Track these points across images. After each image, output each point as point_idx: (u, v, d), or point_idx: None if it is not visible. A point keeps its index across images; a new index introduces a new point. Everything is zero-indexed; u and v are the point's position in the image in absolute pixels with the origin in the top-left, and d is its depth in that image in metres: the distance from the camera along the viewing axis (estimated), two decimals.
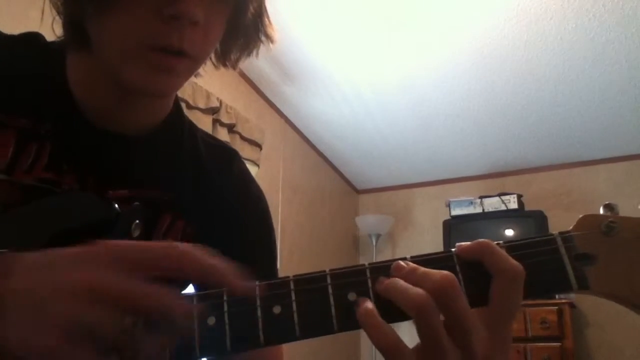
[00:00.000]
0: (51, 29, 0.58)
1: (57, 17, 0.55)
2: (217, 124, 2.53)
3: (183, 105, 2.49)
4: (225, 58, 0.61)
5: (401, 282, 0.37)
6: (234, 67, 0.63)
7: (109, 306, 0.31)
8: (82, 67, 0.55)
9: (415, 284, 0.36)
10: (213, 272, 0.35)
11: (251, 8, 0.56)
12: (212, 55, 0.61)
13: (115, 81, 0.51)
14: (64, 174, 0.53)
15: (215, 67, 0.63)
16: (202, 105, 2.41)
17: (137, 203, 0.54)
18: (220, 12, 0.53)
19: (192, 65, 0.52)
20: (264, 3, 0.60)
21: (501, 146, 3.49)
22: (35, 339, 0.30)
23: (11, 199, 0.49)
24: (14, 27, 0.59)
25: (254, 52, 0.62)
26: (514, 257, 0.38)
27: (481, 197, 3.41)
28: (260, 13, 0.59)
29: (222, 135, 2.53)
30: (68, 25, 0.54)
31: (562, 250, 0.39)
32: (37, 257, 0.33)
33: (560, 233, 0.40)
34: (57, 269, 0.32)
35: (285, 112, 3.28)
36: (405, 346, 0.36)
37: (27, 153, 0.51)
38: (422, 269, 0.38)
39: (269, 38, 0.61)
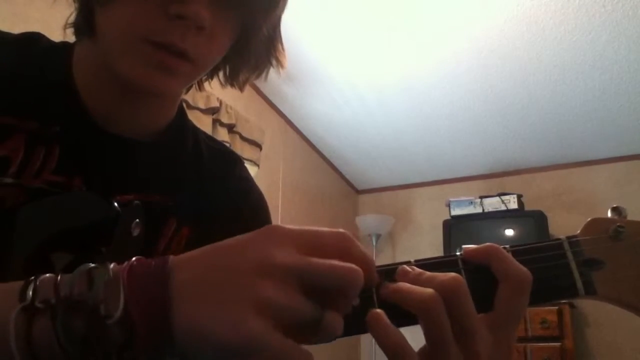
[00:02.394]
0: (51, 30, 0.58)
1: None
2: (217, 124, 2.53)
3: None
4: (233, 78, 0.61)
5: (408, 285, 0.37)
6: (242, 87, 0.63)
7: (293, 284, 0.30)
8: (88, 66, 0.55)
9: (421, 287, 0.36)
10: (369, 264, 0.35)
11: (264, 30, 0.56)
12: (220, 74, 0.61)
13: (115, 75, 0.51)
14: (73, 177, 0.52)
15: (223, 85, 0.62)
16: (202, 105, 2.41)
17: (137, 202, 0.54)
18: (229, 23, 0.52)
19: (192, 69, 0.51)
20: (278, 28, 0.60)
21: (501, 146, 3.49)
22: (228, 328, 0.29)
23: (21, 202, 0.49)
24: (14, 27, 0.59)
25: (264, 75, 0.62)
26: (520, 261, 0.38)
27: (481, 197, 3.41)
28: (273, 37, 0.59)
29: (222, 135, 2.52)
30: (79, 13, 0.53)
31: (570, 255, 0.39)
32: (203, 250, 0.32)
33: (568, 237, 0.40)
34: (231, 253, 0.31)
35: (285, 112, 3.27)
36: (411, 347, 0.35)
37: (36, 156, 0.51)
38: (428, 273, 0.38)
39: (280, 64, 0.61)
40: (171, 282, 0.30)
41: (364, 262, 0.34)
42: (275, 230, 0.32)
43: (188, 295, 0.30)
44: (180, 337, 0.29)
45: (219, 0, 0.49)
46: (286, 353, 0.29)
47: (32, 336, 0.30)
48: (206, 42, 0.50)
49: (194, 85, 0.63)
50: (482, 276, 0.38)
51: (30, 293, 0.31)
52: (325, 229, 0.34)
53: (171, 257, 0.32)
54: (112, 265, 0.32)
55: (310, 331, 0.31)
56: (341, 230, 0.34)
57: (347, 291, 0.32)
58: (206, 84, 0.65)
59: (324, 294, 0.31)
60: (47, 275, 0.32)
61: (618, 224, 0.38)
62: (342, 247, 0.33)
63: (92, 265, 0.32)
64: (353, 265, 0.32)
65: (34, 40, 0.58)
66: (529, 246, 0.40)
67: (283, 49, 0.61)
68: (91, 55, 0.55)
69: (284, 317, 0.30)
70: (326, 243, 0.33)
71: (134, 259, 0.32)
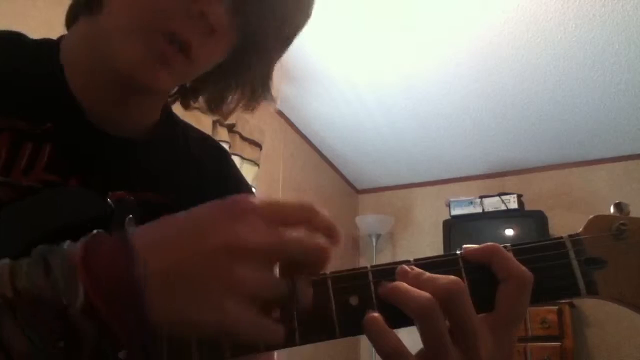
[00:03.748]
0: (52, 29, 0.58)
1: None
2: (217, 124, 2.52)
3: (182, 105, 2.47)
4: (217, 104, 0.62)
5: (405, 285, 0.36)
6: (226, 117, 0.64)
7: (262, 261, 0.30)
8: (79, 59, 0.54)
9: (420, 289, 0.36)
10: (333, 230, 0.35)
11: (265, 66, 0.58)
12: (204, 100, 0.62)
13: (109, 62, 0.50)
14: (68, 176, 0.52)
15: (203, 112, 0.63)
16: None
17: (130, 198, 0.53)
18: (232, 33, 0.52)
19: (188, 68, 0.51)
20: (273, 68, 0.61)
21: (501, 146, 3.48)
22: (206, 314, 0.29)
23: (11, 200, 0.48)
24: (14, 27, 0.58)
25: (251, 109, 0.63)
26: (521, 260, 0.38)
27: (481, 197, 3.40)
28: (268, 76, 0.61)
29: (222, 135, 2.52)
30: None
31: (572, 254, 0.38)
32: (165, 230, 0.32)
33: (570, 236, 0.39)
34: (197, 235, 0.31)
35: (285, 112, 3.27)
36: (408, 351, 0.35)
37: (22, 153, 0.50)
38: (428, 273, 0.37)
39: (272, 100, 0.63)
40: (138, 272, 0.29)
41: (328, 229, 0.35)
42: (238, 203, 0.32)
43: (158, 287, 0.29)
44: (156, 325, 0.29)
45: (237, 9, 0.50)
46: (261, 330, 0.31)
47: (3, 337, 0.29)
48: (212, 45, 0.50)
49: (179, 100, 0.63)
50: (482, 275, 0.38)
51: None
52: (289, 200, 0.34)
53: (134, 238, 0.31)
54: (66, 246, 0.31)
55: (285, 304, 0.32)
56: (305, 201, 0.35)
57: (315, 265, 0.33)
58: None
59: (292, 264, 0.32)
60: (4, 263, 0.31)
61: (621, 221, 0.38)
62: (306, 218, 0.34)
63: (48, 249, 0.31)
64: (319, 241, 0.32)
65: (15, 38, 0.57)
66: (530, 245, 0.39)
67: (274, 89, 0.63)
68: (84, 45, 0.54)
69: (258, 295, 0.30)
70: (290, 214, 0.33)
71: (89, 237, 0.31)
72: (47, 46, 0.56)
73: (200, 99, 0.63)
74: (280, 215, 0.33)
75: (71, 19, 0.57)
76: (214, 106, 0.62)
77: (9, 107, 0.51)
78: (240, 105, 0.62)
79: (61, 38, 0.57)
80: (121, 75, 0.50)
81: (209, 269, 0.30)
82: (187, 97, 0.63)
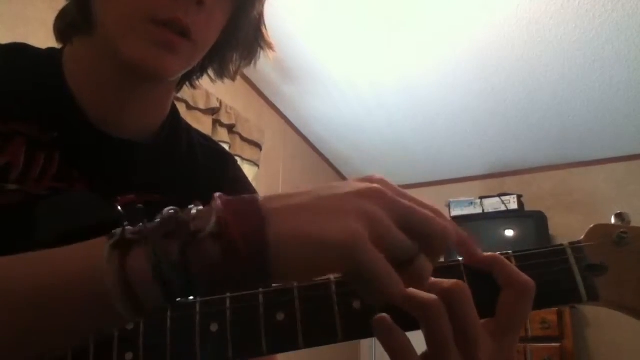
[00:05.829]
0: (51, 30, 0.58)
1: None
2: (217, 125, 2.52)
3: (183, 105, 2.47)
4: (224, 68, 0.62)
5: (411, 288, 0.36)
6: (234, 78, 0.64)
7: (391, 216, 0.31)
8: (81, 67, 0.55)
9: (425, 292, 0.36)
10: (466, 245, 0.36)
11: (255, 13, 0.58)
12: (211, 68, 0.63)
13: (115, 58, 0.51)
14: (74, 183, 0.53)
15: (212, 80, 0.64)
16: (202, 105, 2.41)
17: (140, 205, 0.54)
18: (225, 2, 0.54)
19: (192, 49, 0.52)
20: (263, 13, 0.62)
21: (501, 146, 3.49)
22: (331, 230, 0.29)
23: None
24: (14, 28, 0.58)
25: (253, 61, 0.64)
26: (523, 267, 0.38)
27: (481, 198, 3.41)
28: (259, 22, 0.62)
29: (222, 135, 2.52)
30: (75, 7, 0.54)
31: (572, 260, 0.39)
32: (291, 193, 0.33)
33: (571, 243, 0.40)
34: (328, 189, 0.32)
35: (285, 113, 3.27)
36: (414, 351, 0.35)
37: (36, 162, 0.51)
38: (432, 278, 0.37)
39: (268, 46, 0.63)
40: (264, 208, 0.30)
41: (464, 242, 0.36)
42: (369, 178, 0.34)
43: (285, 211, 0.31)
44: (278, 244, 0.29)
45: None
46: (385, 270, 0.29)
47: (127, 267, 0.30)
48: (205, 19, 0.51)
49: (186, 84, 0.64)
50: (484, 282, 0.38)
51: (119, 231, 0.32)
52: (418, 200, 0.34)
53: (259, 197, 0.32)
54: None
55: (401, 271, 0.31)
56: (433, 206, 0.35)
57: (437, 243, 0.32)
58: (205, 82, 0.66)
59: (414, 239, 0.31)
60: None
61: (622, 230, 0.38)
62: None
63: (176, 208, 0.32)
64: (447, 224, 0.32)
65: (20, 49, 0.58)
66: (531, 252, 0.40)
67: (267, 31, 0.63)
68: (85, 54, 0.55)
69: (383, 235, 0.30)
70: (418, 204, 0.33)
71: (218, 194, 0.33)
72: (51, 57, 0.57)
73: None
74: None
75: (62, 38, 0.58)
76: (220, 75, 0.63)
77: (19, 113, 0.51)
78: (242, 64, 0.64)
79: (63, 48, 0.58)
80: (131, 69, 0.51)
81: (337, 202, 0.30)
82: (193, 77, 0.64)
